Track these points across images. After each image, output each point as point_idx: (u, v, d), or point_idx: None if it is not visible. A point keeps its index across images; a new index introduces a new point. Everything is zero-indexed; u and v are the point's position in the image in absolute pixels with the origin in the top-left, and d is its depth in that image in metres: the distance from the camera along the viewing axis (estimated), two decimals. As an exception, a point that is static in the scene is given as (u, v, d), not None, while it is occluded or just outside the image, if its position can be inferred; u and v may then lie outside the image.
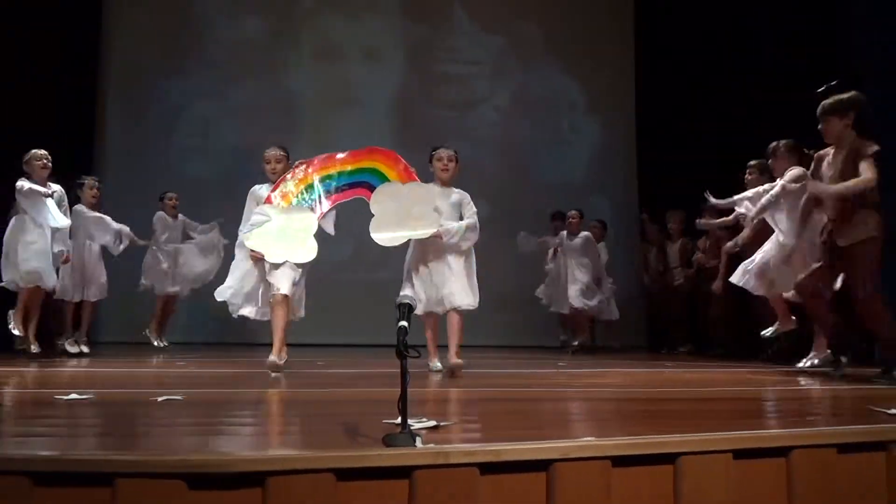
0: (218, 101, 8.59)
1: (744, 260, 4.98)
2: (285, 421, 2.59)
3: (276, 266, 4.14)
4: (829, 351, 4.45)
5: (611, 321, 7.79)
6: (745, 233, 5.08)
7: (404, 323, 1.86)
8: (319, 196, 4.22)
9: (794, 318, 4.81)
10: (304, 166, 4.30)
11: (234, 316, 4.43)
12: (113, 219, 6.26)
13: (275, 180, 4.33)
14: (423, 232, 4.07)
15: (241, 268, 4.37)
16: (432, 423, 2.05)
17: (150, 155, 8.32)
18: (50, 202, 5.25)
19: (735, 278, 4.93)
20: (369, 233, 4.01)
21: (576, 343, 7.30)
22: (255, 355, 3.97)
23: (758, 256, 4.79)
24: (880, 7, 5.91)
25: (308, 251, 4.12)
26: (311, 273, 4.40)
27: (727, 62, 7.73)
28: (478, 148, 8.18)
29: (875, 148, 3.85)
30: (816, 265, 4.15)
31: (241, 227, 4.42)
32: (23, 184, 5.16)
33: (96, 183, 6.19)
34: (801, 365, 4.78)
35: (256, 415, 2.69)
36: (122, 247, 6.27)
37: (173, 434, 2.15)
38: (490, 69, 9.20)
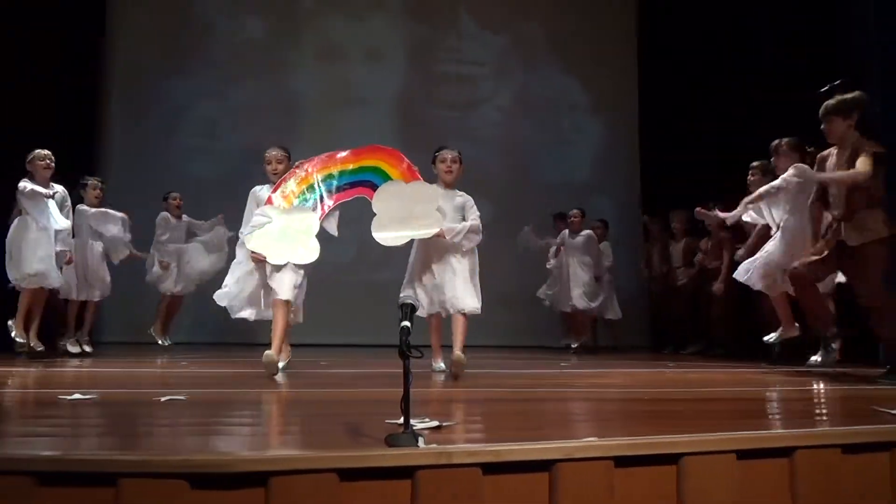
0: (219, 102, 8.59)
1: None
2: (288, 421, 2.58)
3: (277, 269, 4.10)
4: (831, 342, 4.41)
5: (613, 320, 7.80)
6: (751, 241, 5.13)
7: (407, 323, 1.86)
8: (321, 195, 4.19)
9: (797, 324, 4.80)
10: (305, 166, 4.27)
11: (233, 317, 4.42)
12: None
13: (275, 181, 4.30)
14: (426, 232, 4.03)
15: (240, 268, 4.34)
16: (435, 423, 2.05)
17: (151, 155, 8.32)
18: (51, 203, 5.24)
19: (738, 274, 4.93)
20: (371, 233, 3.99)
21: (575, 345, 7.31)
22: (258, 355, 3.97)
23: (761, 254, 4.79)
24: (880, 7, 5.90)
25: (310, 252, 4.09)
26: (313, 273, 4.38)
27: (728, 62, 7.74)
28: (480, 148, 8.16)
29: (878, 148, 3.85)
30: (815, 257, 4.14)
31: (241, 229, 4.40)
32: (25, 185, 5.16)
33: (99, 183, 6.18)
34: (814, 359, 4.72)
35: (259, 415, 2.69)
36: (129, 236, 6.25)
37: (176, 434, 2.15)
38: (492, 69, 9.19)
